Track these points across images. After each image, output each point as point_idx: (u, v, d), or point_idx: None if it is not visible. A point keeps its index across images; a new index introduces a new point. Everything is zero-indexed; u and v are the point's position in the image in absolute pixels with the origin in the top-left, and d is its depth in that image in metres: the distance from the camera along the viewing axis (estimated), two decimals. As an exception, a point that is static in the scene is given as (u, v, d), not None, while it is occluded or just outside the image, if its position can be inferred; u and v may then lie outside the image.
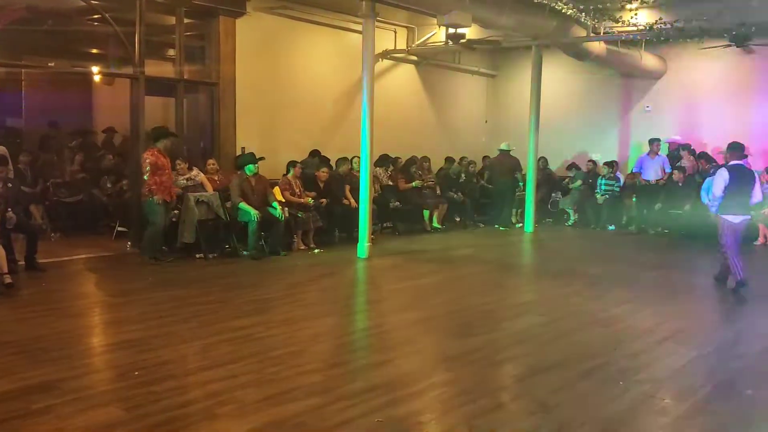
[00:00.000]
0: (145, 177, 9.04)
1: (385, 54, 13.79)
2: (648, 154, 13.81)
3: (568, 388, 4.87)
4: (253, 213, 9.54)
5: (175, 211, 9.56)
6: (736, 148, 8.35)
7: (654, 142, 13.73)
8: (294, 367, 5.14)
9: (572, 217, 14.54)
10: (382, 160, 12.71)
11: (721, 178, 8.04)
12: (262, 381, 4.84)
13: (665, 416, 4.44)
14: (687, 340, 6.22)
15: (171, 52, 11.24)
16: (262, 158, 10.18)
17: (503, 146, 14.31)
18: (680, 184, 12.81)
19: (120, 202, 11.05)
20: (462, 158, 14.67)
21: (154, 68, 10.59)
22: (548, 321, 6.78)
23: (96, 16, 10.43)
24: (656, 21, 10.95)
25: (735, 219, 8.06)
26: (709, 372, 5.35)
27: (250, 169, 9.83)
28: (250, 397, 4.52)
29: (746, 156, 9.01)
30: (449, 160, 14.40)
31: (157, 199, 9.04)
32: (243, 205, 9.62)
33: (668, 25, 10.77)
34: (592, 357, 5.58)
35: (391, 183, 12.83)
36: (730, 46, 11.79)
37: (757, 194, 8.07)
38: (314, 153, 12.05)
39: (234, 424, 4.12)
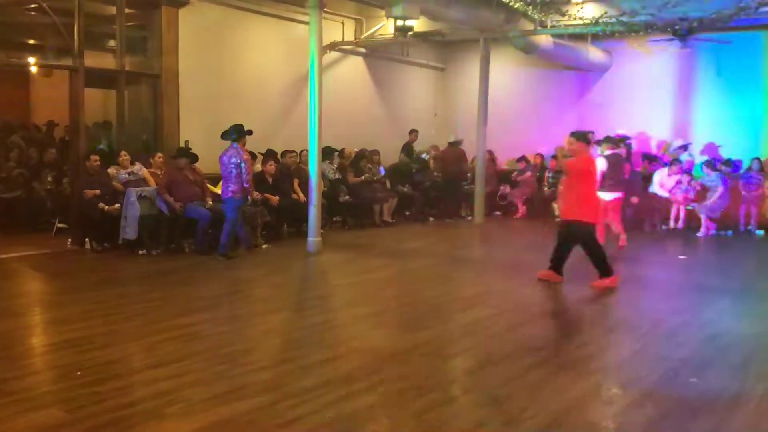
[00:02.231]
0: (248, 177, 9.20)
1: (333, 46, 13.70)
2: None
3: (518, 379, 4.90)
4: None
5: (117, 206, 9.37)
6: (611, 141, 10.50)
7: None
8: (243, 365, 5.06)
9: (520, 210, 14.68)
10: (326, 153, 12.56)
11: (598, 165, 9.59)
12: (211, 379, 4.75)
13: (613, 405, 4.51)
14: (633, 330, 6.34)
15: (112, 43, 10.94)
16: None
17: (451, 138, 14.42)
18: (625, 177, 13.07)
19: (60, 198, 10.74)
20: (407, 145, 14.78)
21: (94, 60, 10.29)
22: (498, 313, 6.82)
23: (33, 6, 10.09)
24: (602, 15, 11.10)
25: (606, 196, 9.83)
26: (655, 361, 5.45)
27: None
28: (198, 396, 4.43)
29: (620, 146, 11.23)
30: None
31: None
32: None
33: (614, 19, 10.93)
34: (542, 348, 5.64)
35: (339, 176, 12.76)
36: (673, 40, 12.06)
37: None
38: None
39: (182, 423, 4.03)
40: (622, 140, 13.80)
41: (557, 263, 8.14)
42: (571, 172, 7.99)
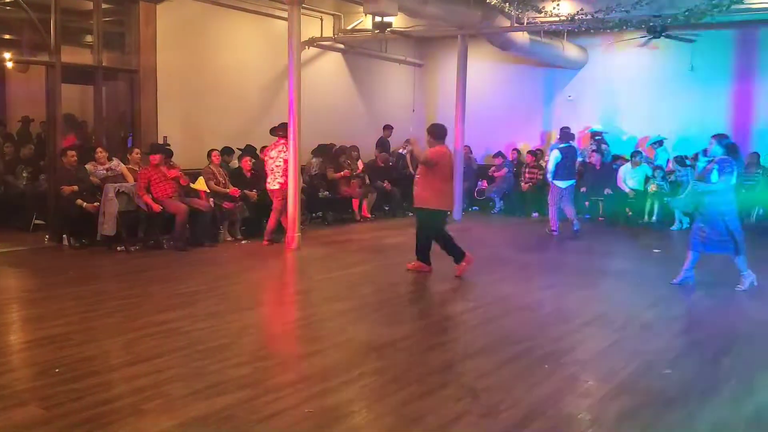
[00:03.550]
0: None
1: (312, 42, 13.67)
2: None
3: (496, 372, 4.96)
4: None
5: (95, 204, 9.30)
6: (566, 135, 11.50)
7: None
8: (222, 361, 5.07)
9: (498, 205, 14.78)
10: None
11: (554, 156, 11.13)
12: (190, 375, 4.76)
13: (589, 397, 4.58)
14: (609, 323, 6.41)
15: (89, 38, 10.86)
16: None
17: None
18: (597, 168, 13.31)
19: (37, 194, 10.64)
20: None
21: (71, 55, 10.21)
22: (475, 307, 6.89)
23: (9, 1, 9.99)
24: (578, 12, 11.19)
25: (562, 184, 11.11)
26: (630, 353, 5.52)
27: None
28: (177, 392, 4.44)
29: (573, 138, 12.21)
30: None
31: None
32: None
33: (589, 16, 11.02)
34: (519, 341, 5.70)
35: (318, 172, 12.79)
36: (649, 38, 12.20)
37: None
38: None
39: (161, 419, 4.04)
40: (594, 134, 14.11)
41: (423, 254, 8.32)
42: (431, 162, 8.05)
